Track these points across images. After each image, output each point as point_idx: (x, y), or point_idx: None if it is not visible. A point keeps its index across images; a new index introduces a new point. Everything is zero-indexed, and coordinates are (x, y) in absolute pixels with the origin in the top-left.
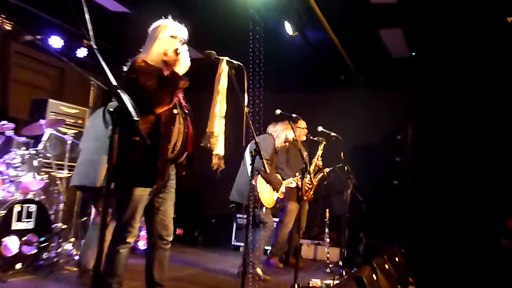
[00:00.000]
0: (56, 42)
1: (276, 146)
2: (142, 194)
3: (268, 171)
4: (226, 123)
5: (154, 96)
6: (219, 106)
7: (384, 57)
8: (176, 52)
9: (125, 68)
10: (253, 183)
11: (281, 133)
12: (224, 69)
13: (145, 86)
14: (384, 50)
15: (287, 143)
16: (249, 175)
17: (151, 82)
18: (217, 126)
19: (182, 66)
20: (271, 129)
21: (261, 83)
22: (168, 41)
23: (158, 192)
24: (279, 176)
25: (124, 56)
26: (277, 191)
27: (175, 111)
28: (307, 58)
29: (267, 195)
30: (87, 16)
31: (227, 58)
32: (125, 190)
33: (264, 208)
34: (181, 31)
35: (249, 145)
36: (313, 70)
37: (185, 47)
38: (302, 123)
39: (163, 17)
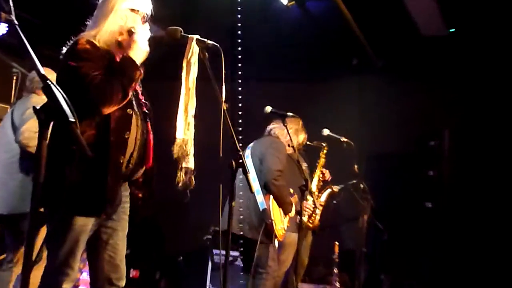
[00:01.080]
0: None
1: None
2: (84, 224)
3: (254, 190)
4: (195, 124)
5: (101, 92)
6: (191, 103)
7: (411, 35)
8: (130, 32)
9: (64, 51)
10: (264, 205)
11: (293, 136)
12: (194, 51)
13: (88, 77)
14: (411, 25)
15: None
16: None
17: (96, 72)
18: (190, 130)
19: (139, 50)
20: (277, 130)
21: (244, 69)
22: (127, 15)
23: (106, 220)
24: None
25: (57, 34)
26: (287, 215)
27: (129, 111)
28: (307, 36)
29: (280, 223)
30: None
31: (198, 37)
32: (60, 218)
33: (276, 242)
34: (144, 4)
35: (248, 151)
36: (315, 52)
37: (147, 26)
38: (300, 125)
39: None
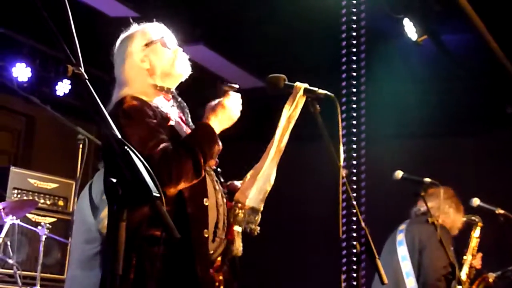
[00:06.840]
0: (22, 72)
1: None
2: None
3: (385, 282)
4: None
5: (165, 167)
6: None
7: None
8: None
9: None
10: None
11: (457, 218)
12: (299, 104)
13: (147, 146)
14: None
15: None
16: None
17: (155, 141)
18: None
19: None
20: (442, 210)
21: (361, 124)
22: (145, 53)
23: None
24: None
25: None
26: None
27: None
28: (444, 78)
29: None
30: (72, 28)
31: (307, 85)
32: None
33: None
34: (155, 29)
35: (401, 236)
36: (453, 98)
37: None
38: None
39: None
